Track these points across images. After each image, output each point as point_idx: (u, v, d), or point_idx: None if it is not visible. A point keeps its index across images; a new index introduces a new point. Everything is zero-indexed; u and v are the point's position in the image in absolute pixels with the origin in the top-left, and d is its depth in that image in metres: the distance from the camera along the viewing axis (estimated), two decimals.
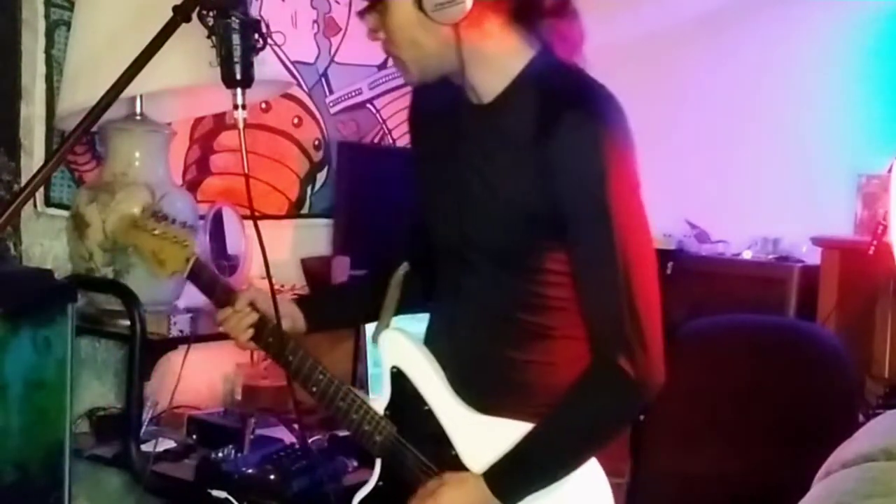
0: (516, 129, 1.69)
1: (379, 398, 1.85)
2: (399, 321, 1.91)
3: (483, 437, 1.76)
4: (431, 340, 1.86)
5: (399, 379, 1.83)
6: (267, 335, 1.89)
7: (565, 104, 1.65)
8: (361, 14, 1.75)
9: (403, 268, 1.91)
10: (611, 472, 1.73)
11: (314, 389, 1.86)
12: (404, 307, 1.92)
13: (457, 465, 1.77)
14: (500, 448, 1.72)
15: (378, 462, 1.86)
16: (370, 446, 1.85)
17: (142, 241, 2.00)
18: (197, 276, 1.96)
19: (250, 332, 1.89)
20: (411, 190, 1.90)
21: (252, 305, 1.89)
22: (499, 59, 1.70)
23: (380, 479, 1.85)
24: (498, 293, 1.76)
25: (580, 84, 1.70)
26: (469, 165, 1.75)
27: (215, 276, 1.98)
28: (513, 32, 1.70)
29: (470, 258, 1.78)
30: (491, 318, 1.78)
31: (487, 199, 1.73)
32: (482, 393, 1.77)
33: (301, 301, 2.01)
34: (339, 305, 2.11)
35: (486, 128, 1.73)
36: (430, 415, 1.79)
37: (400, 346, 1.84)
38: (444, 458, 1.78)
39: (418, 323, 1.91)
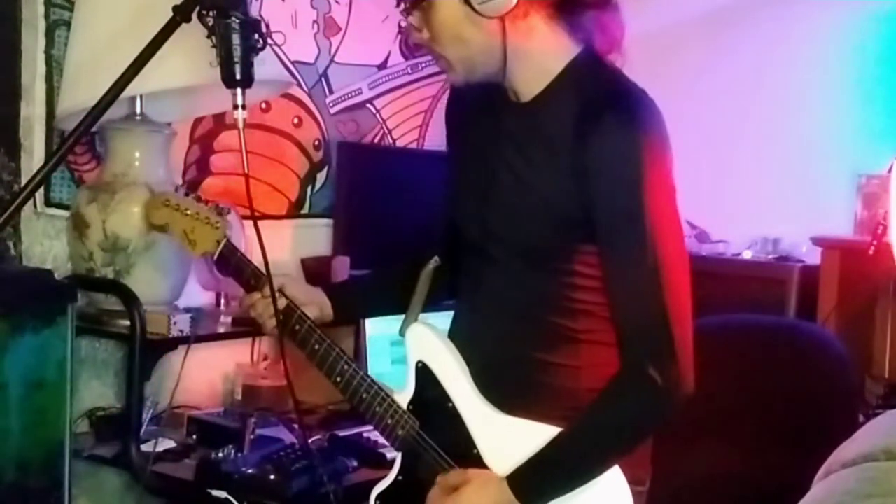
0: (554, 128, 1.69)
1: (403, 392, 1.85)
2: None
3: (505, 438, 1.75)
4: (454, 336, 1.85)
5: (424, 374, 1.82)
6: (294, 322, 1.89)
7: (605, 107, 1.65)
8: (405, 12, 1.74)
9: (434, 262, 1.90)
10: (632, 481, 1.72)
11: (338, 380, 1.86)
12: (431, 302, 1.91)
13: (478, 463, 1.77)
14: (522, 449, 1.71)
15: (398, 456, 1.86)
16: (391, 440, 1.85)
17: (174, 220, 2.00)
18: (226, 258, 1.97)
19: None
20: (444, 186, 1.90)
21: (280, 291, 1.89)
22: (542, 57, 1.71)
23: (399, 473, 1.86)
24: (523, 292, 1.76)
25: (620, 87, 1.70)
26: (504, 162, 1.75)
27: (244, 260, 1.98)
28: (556, 27, 1.70)
29: (494, 255, 1.78)
30: (514, 316, 1.77)
31: (521, 196, 1.73)
32: (505, 392, 1.77)
33: (330, 289, 2.02)
34: (367, 296, 2.11)
35: (524, 126, 1.73)
36: (453, 412, 1.79)
37: (426, 341, 1.83)
38: (466, 456, 1.78)
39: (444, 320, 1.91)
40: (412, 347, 1.84)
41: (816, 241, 3.33)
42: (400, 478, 1.85)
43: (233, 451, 2.48)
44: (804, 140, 3.62)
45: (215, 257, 1.98)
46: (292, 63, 3.29)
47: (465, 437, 1.78)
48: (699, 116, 3.81)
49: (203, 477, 2.45)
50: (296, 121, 3.34)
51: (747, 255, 3.55)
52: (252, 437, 2.58)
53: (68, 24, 2.64)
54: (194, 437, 2.73)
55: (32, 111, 2.66)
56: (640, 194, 1.63)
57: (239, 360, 3.02)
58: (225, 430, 2.68)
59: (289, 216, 3.34)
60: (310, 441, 2.63)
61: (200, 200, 2.02)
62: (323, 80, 3.41)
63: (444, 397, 1.80)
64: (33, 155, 2.65)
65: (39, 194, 2.65)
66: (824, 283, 3.24)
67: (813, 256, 3.37)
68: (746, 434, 2.53)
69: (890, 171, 3.11)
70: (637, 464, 1.76)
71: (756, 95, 3.72)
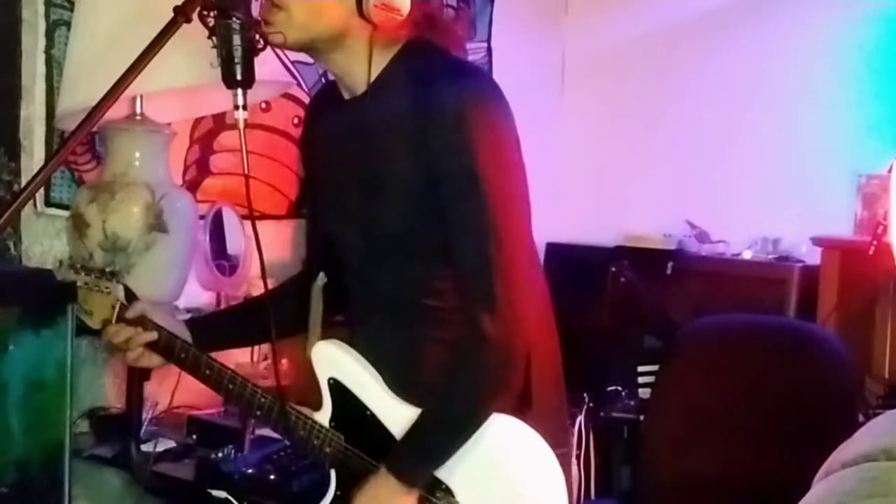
0: (394, 111, 1.74)
1: (322, 412, 1.87)
2: None
3: None
4: (356, 348, 1.87)
5: (337, 389, 1.85)
6: (178, 350, 1.91)
7: (439, 80, 1.71)
8: None
9: (321, 279, 1.92)
10: (554, 444, 1.80)
11: (259, 413, 1.88)
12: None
13: None
14: None
15: (332, 473, 1.87)
16: (321, 459, 1.87)
17: None
18: (127, 319, 1.94)
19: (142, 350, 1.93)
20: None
21: (144, 318, 1.92)
22: (376, 51, 1.75)
23: (337, 488, 1.87)
24: (401, 282, 1.80)
25: (452, 61, 1.77)
26: (358, 160, 1.79)
27: (143, 317, 1.94)
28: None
29: (376, 255, 1.81)
30: (401, 309, 1.81)
31: (380, 187, 1.77)
32: (420, 388, 1.80)
33: (191, 322, 2.02)
34: (226, 328, 2.09)
35: (366, 118, 1.77)
36: (373, 419, 1.83)
37: (333, 357, 1.86)
38: None
39: None
40: (320, 366, 1.86)
41: (816, 241, 3.33)
42: (339, 493, 1.87)
43: (233, 451, 2.49)
44: (804, 140, 3.62)
45: (114, 321, 1.95)
46: (292, 63, 3.28)
47: (389, 441, 1.81)
48: (699, 116, 3.82)
49: (203, 477, 2.45)
50: (296, 121, 3.34)
51: (747, 255, 3.56)
52: (252, 437, 2.58)
53: (68, 24, 2.64)
54: (194, 437, 2.73)
55: (32, 111, 2.66)
56: (479, 156, 1.68)
57: (239, 359, 3.01)
58: (225, 430, 2.68)
59: (289, 216, 3.34)
60: None
61: (86, 269, 1.98)
62: (323, 80, 3.40)
63: (361, 407, 1.83)
64: (33, 155, 2.65)
65: (39, 194, 2.65)
66: (824, 283, 3.25)
67: (813, 256, 3.37)
68: (746, 434, 2.53)
69: (890, 171, 3.11)
70: (558, 430, 1.84)
71: (756, 95, 3.73)
